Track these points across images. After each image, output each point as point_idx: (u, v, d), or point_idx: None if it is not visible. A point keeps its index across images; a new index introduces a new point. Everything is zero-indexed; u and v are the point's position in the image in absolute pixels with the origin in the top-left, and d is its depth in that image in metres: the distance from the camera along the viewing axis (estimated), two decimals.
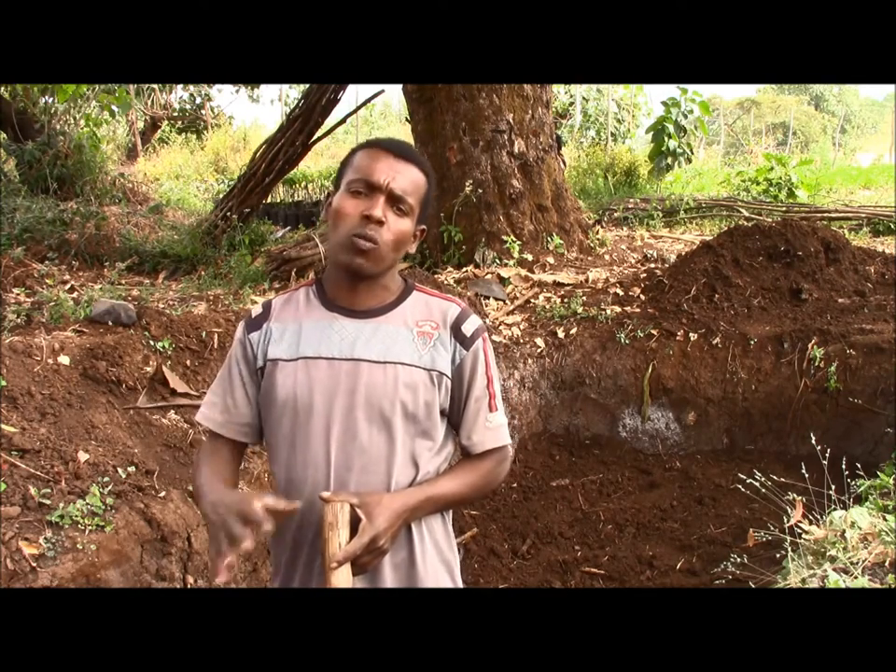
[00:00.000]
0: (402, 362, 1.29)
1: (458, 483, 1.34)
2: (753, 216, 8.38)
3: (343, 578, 1.17)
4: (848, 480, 2.39)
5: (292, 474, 1.32)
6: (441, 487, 1.32)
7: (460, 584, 1.43)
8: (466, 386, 1.35)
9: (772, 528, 2.34)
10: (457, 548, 1.46)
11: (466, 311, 1.38)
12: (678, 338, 4.44)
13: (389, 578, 1.31)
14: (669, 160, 11.13)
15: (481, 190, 5.95)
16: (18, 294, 4.39)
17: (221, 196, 8.25)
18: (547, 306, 4.97)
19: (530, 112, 6.17)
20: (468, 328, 1.35)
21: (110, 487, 2.30)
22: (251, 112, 58.38)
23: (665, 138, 11.03)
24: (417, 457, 1.32)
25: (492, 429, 1.36)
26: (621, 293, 5.08)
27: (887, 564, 1.94)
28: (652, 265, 6.20)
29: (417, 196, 1.32)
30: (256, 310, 1.41)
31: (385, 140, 1.35)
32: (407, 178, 1.30)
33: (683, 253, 5.72)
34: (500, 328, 4.74)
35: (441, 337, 1.33)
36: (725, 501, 3.74)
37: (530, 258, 5.92)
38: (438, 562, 1.36)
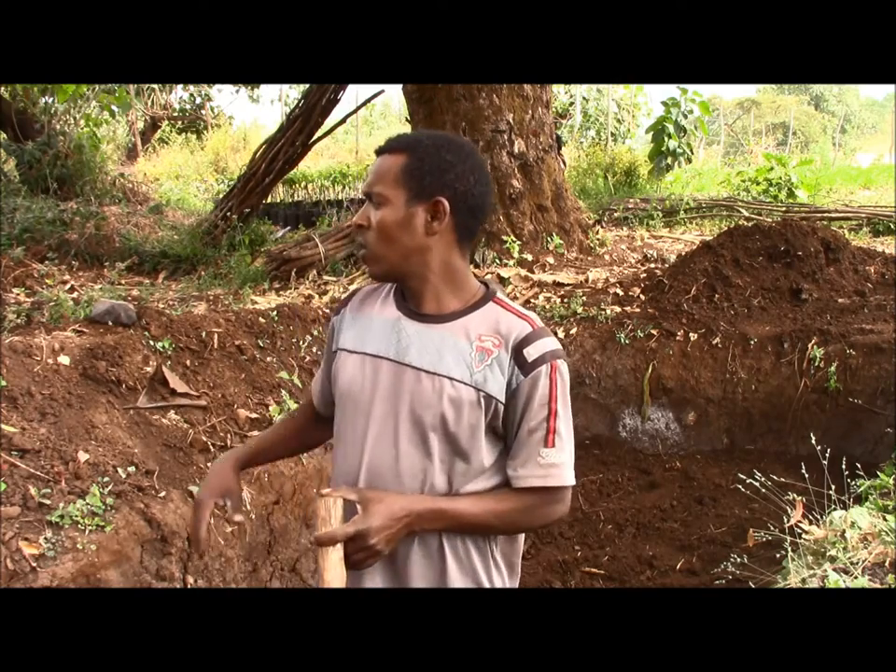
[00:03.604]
0: (451, 376, 1.21)
1: (483, 508, 1.23)
2: (753, 216, 8.38)
3: (333, 570, 1.16)
4: (848, 480, 2.39)
5: (335, 465, 1.34)
6: (459, 505, 1.22)
7: None
8: (520, 415, 1.22)
9: (772, 528, 2.34)
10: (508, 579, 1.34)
11: (536, 333, 1.23)
12: (678, 338, 4.44)
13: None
14: (669, 160, 11.14)
15: None
16: (18, 294, 4.39)
17: (221, 196, 8.26)
18: (547, 306, 4.97)
19: (530, 112, 6.17)
20: (531, 352, 1.21)
21: (110, 487, 2.30)
22: (251, 112, 58.28)
23: (665, 138, 11.04)
24: (453, 478, 1.24)
25: (543, 466, 1.22)
26: (621, 293, 5.08)
27: (887, 564, 1.94)
28: (652, 265, 6.20)
29: (389, 179, 1.23)
30: (345, 295, 1.45)
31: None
32: (374, 171, 1.26)
33: (683, 253, 5.72)
34: None
35: (500, 357, 1.22)
36: (725, 501, 3.74)
37: (530, 258, 5.93)
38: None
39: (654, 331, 4.49)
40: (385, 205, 1.23)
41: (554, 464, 1.23)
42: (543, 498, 1.25)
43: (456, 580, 1.26)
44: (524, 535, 1.39)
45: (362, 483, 1.25)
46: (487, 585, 1.28)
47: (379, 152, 1.28)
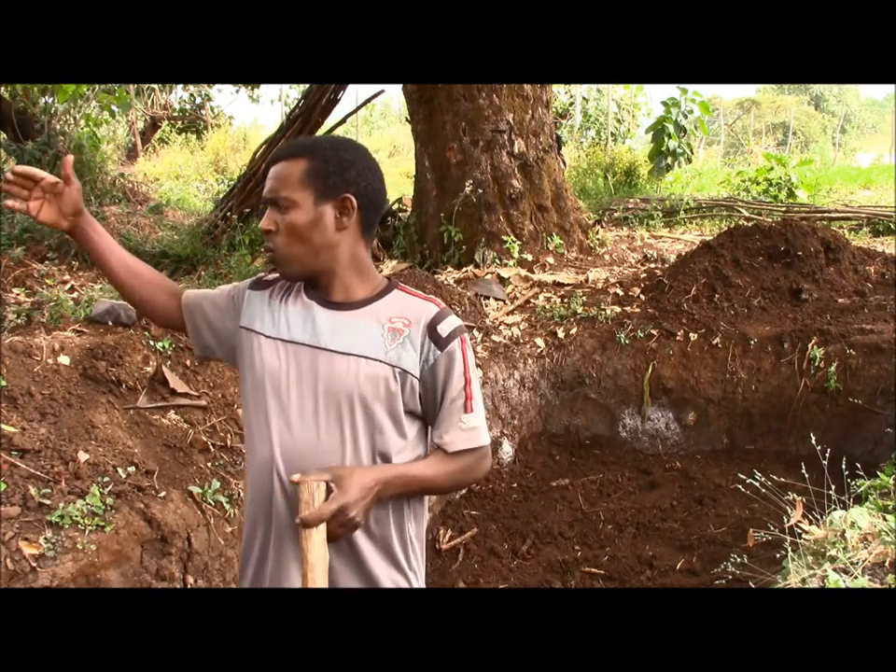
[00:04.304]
0: (366, 356, 1.30)
1: (434, 470, 1.35)
2: (753, 216, 8.38)
3: (316, 552, 1.18)
4: (848, 480, 2.39)
5: (252, 450, 1.37)
6: (414, 469, 1.33)
7: (413, 581, 1.41)
8: (441, 387, 1.34)
9: (772, 528, 2.34)
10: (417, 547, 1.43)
11: (444, 312, 1.37)
12: (678, 338, 4.44)
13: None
14: (669, 160, 11.12)
15: (481, 190, 5.94)
16: (18, 294, 4.38)
17: (221, 196, 8.25)
18: (547, 306, 4.97)
19: (530, 112, 6.16)
20: (443, 328, 1.34)
21: (110, 487, 2.30)
22: (251, 112, 58.18)
23: (665, 138, 11.02)
24: (376, 454, 1.32)
25: (465, 430, 1.36)
26: (621, 293, 5.08)
27: (887, 564, 1.94)
28: (652, 265, 6.20)
29: (293, 182, 1.31)
30: (269, 277, 1.47)
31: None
32: (275, 177, 1.33)
33: (683, 253, 5.71)
34: (500, 328, 4.73)
35: (411, 335, 1.33)
36: (725, 501, 3.74)
37: (530, 258, 5.92)
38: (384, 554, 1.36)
39: (654, 331, 4.49)
40: (293, 208, 1.31)
41: (475, 426, 1.37)
42: (474, 456, 1.38)
43: (377, 563, 1.33)
44: (427, 518, 1.48)
45: (281, 465, 1.30)
46: (406, 567, 1.38)
47: (275, 160, 1.34)
